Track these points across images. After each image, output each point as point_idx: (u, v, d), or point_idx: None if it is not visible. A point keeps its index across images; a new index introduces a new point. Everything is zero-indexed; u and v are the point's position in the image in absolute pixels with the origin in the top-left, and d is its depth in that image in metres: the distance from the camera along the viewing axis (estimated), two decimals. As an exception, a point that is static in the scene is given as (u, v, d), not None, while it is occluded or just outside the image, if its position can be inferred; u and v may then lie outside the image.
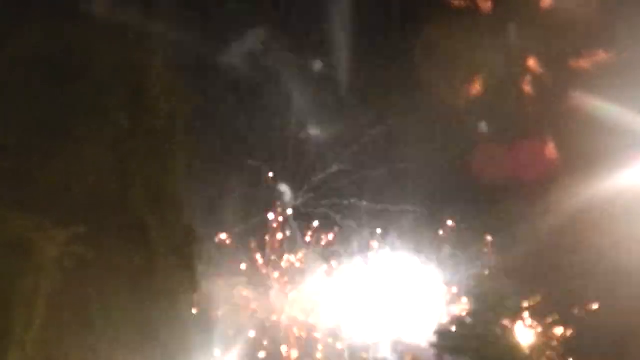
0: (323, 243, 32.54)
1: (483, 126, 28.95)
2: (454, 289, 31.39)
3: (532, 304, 26.06)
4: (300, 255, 32.65)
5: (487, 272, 28.59)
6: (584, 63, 26.84)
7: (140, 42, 17.92)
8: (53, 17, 17.43)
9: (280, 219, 32.74)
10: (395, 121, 28.85)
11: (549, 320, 26.32)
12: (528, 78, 28.45)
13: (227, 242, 30.03)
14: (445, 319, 28.30)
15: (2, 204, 14.90)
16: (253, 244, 32.10)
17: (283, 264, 32.53)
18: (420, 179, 28.94)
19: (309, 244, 32.98)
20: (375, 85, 27.87)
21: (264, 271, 32.63)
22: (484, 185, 27.44)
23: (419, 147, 28.35)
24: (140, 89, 17.42)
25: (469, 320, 25.46)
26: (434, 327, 27.11)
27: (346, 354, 30.99)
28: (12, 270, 14.72)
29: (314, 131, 29.89)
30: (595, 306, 25.29)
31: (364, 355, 30.87)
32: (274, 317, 32.38)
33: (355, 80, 28.75)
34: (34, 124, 16.46)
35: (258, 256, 32.65)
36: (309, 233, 32.60)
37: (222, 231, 28.61)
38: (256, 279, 32.09)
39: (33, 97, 16.63)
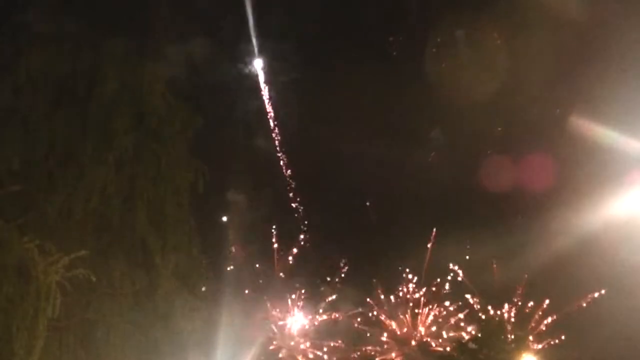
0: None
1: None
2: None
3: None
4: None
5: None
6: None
7: (144, 66, 17.97)
8: (57, 42, 17.51)
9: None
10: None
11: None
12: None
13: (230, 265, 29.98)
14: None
15: (5, 227, 14.82)
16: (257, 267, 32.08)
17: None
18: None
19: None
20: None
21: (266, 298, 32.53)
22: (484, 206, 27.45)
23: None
24: (144, 112, 17.44)
25: (472, 345, 25.35)
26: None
27: None
28: (15, 293, 14.60)
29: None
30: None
31: None
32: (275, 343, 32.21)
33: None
34: (38, 148, 16.47)
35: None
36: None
37: (226, 254, 28.57)
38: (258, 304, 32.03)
39: (37, 121, 16.65)
